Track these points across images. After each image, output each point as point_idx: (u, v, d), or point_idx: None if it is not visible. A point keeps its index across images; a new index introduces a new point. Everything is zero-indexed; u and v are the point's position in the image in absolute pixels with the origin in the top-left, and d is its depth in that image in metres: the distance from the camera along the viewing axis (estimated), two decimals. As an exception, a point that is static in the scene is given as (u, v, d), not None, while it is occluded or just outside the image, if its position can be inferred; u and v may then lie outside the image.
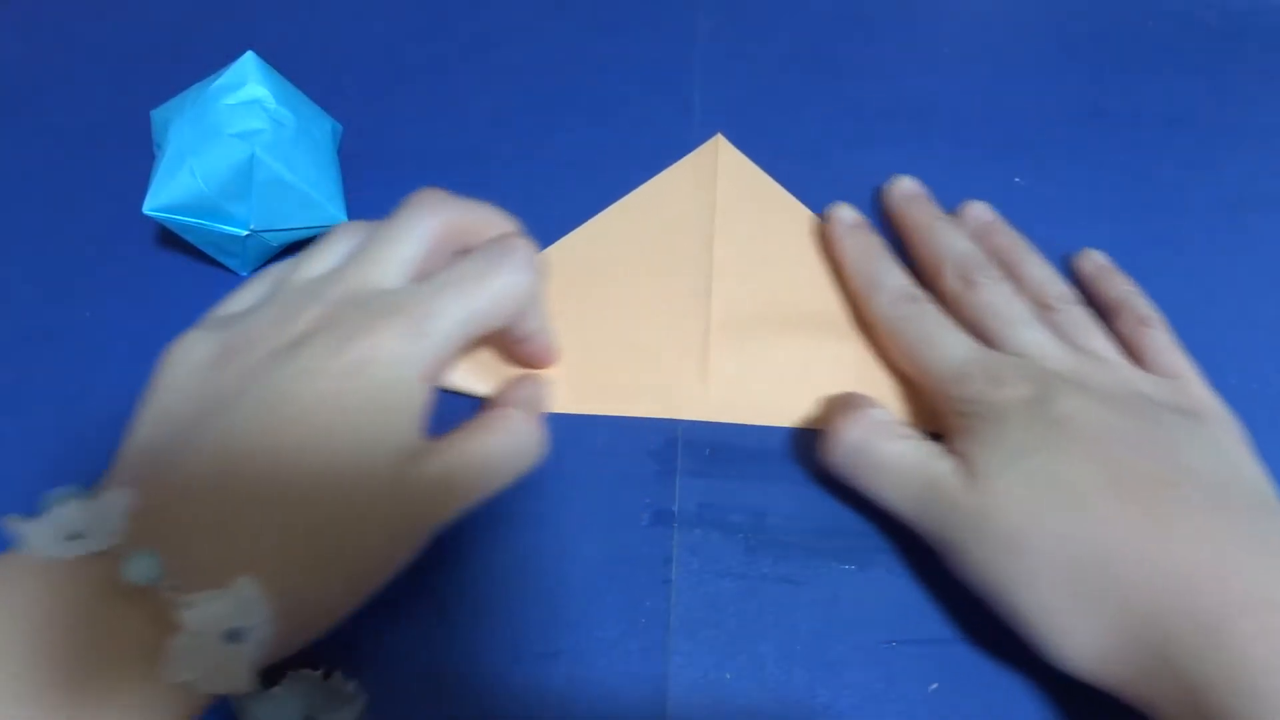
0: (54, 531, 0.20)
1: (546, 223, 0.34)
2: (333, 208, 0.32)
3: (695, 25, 0.40)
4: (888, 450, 0.25)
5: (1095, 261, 0.31)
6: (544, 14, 0.40)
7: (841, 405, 0.27)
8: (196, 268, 0.33)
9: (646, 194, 0.34)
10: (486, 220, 0.26)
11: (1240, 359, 0.30)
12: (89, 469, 0.28)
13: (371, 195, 0.35)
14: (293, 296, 0.24)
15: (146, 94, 0.33)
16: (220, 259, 0.32)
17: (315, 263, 0.26)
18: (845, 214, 0.32)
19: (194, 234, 0.31)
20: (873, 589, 0.26)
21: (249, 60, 0.31)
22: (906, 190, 0.33)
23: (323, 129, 0.33)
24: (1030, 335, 0.27)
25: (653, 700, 0.25)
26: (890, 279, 0.29)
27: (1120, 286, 0.30)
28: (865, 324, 0.30)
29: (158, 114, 0.32)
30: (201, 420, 0.22)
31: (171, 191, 0.29)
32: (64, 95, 0.38)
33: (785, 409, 0.29)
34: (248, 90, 0.30)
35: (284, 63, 0.33)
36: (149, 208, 0.30)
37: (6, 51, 0.40)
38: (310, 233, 0.32)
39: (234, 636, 0.20)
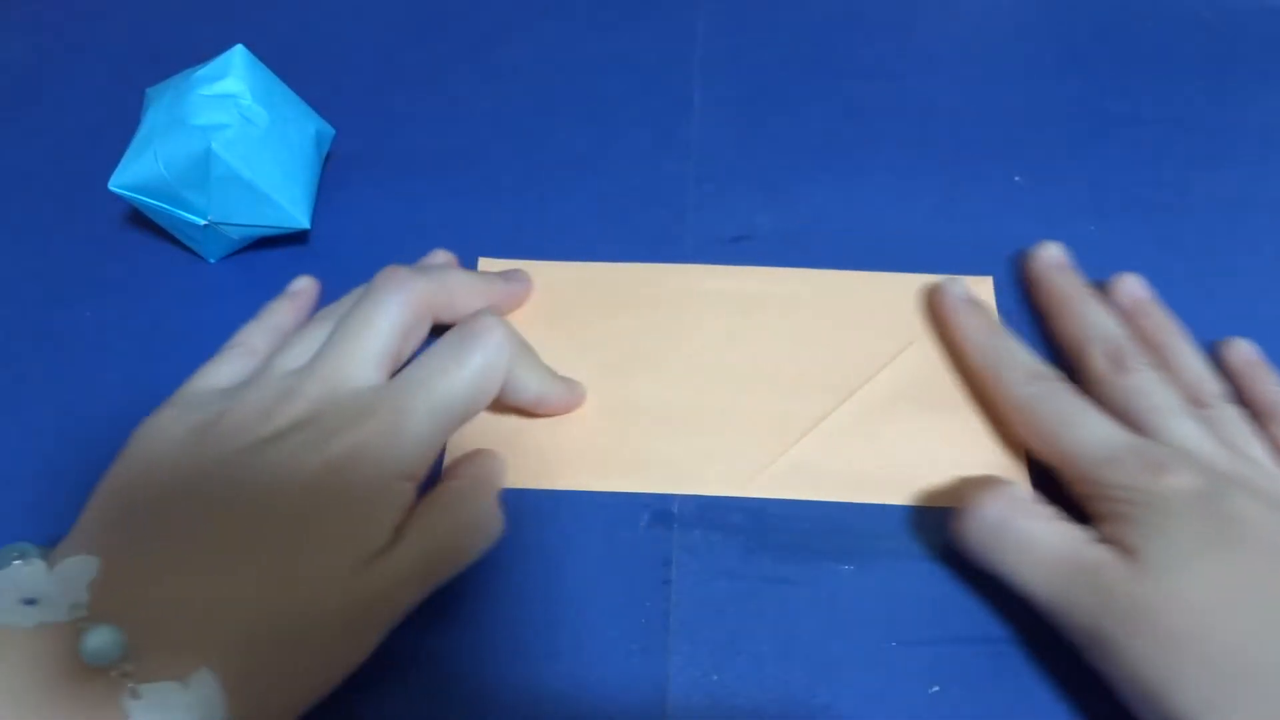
0: (10, 593, 0.20)
1: (545, 223, 0.34)
2: (295, 211, 0.31)
3: (695, 25, 0.40)
4: (1033, 529, 0.24)
5: (1245, 355, 0.29)
6: (543, 14, 0.40)
7: (981, 482, 0.26)
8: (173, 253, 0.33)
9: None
10: (456, 288, 0.28)
11: (1240, 359, 0.30)
12: (83, 467, 0.28)
13: (370, 196, 0.35)
14: (272, 387, 0.25)
15: (146, 85, 0.33)
16: (188, 244, 0.33)
17: (292, 353, 0.26)
18: (958, 289, 0.30)
19: (159, 216, 0.31)
20: (873, 589, 0.26)
21: (236, 53, 0.31)
22: (1053, 259, 0.31)
23: (304, 131, 0.33)
24: (1186, 428, 0.25)
25: (652, 700, 0.25)
26: (1020, 355, 0.28)
27: (1274, 387, 0.28)
28: (984, 401, 0.29)
29: (151, 91, 0.32)
30: (175, 500, 0.23)
31: (135, 172, 0.30)
32: (66, 86, 0.38)
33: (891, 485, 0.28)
34: (225, 84, 0.30)
35: (283, 61, 0.33)
36: (114, 184, 0.30)
37: (8, 46, 0.40)
38: (271, 231, 0.32)
39: None
